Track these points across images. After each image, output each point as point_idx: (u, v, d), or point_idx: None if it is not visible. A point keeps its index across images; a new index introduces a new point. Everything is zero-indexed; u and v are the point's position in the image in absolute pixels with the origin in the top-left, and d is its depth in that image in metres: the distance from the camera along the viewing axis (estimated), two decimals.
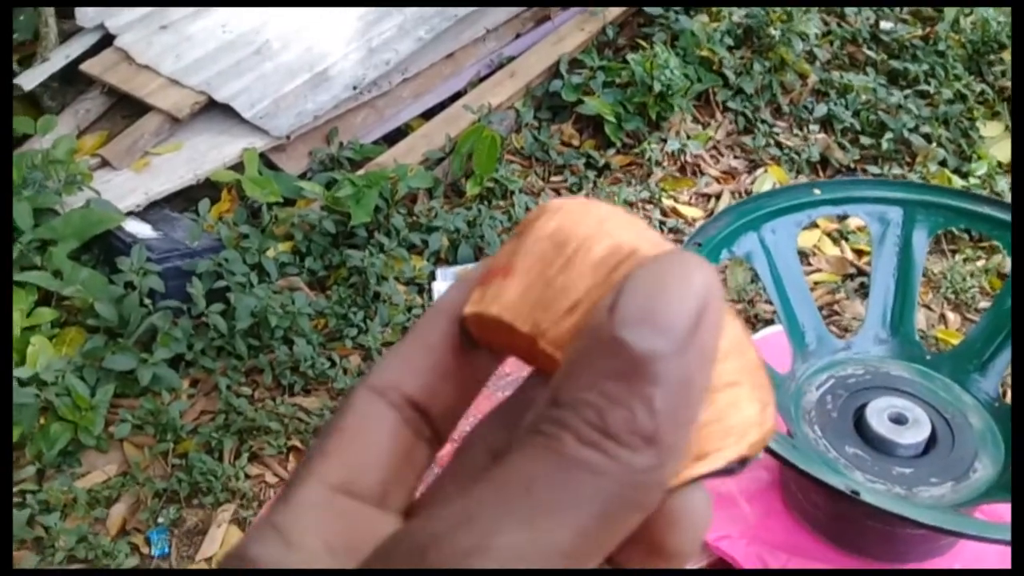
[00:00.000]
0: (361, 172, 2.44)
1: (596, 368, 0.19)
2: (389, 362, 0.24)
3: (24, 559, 1.71)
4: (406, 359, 0.24)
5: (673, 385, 0.19)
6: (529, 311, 0.22)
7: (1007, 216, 1.06)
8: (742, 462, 0.22)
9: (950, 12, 3.01)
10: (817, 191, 1.09)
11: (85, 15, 2.83)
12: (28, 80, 2.64)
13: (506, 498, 0.18)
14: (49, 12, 2.77)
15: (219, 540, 1.75)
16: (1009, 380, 1.45)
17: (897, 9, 3.15)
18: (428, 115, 2.75)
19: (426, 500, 0.25)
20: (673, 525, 0.21)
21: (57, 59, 2.71)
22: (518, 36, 2.96)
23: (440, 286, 2.25)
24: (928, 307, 2.30)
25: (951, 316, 2.30)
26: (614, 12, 2.97)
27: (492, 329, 0.23)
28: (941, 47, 2.95)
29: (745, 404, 0.22)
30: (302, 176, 2.52)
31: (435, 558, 0.18)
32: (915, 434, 0.97)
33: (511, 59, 2.87)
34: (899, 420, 0.98)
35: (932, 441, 0.98)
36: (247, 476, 1.86)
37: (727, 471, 0.22)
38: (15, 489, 1.82)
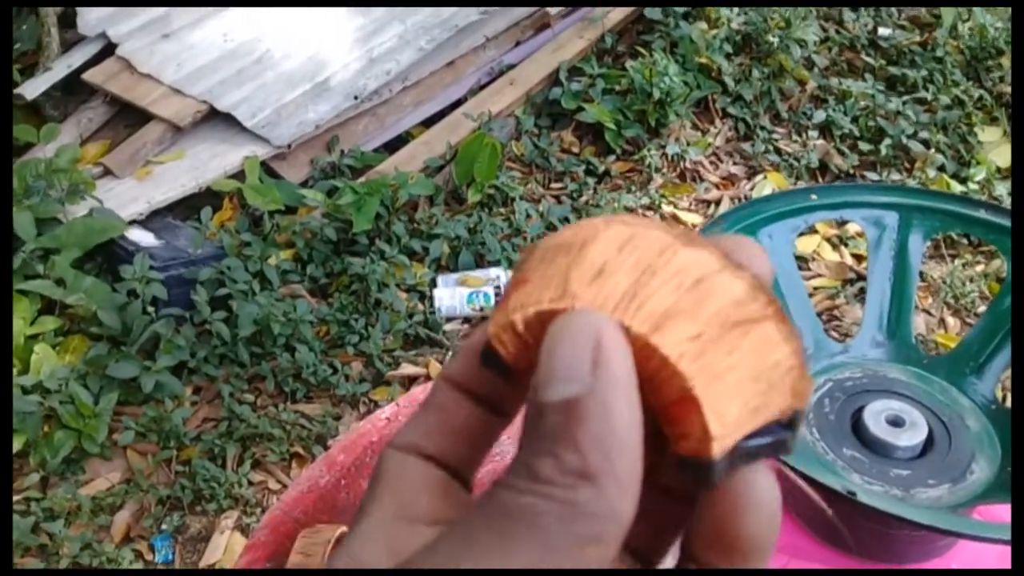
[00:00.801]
0: (362, 180, 2.46)
1: (531, 430, 0.21)
2: (409, 428, 0.26)
3: (29, 566, 1.71)
4: (422, 425, 0.26)
5: (592, 419, 0.20)
6: (554, 289, 0.23)
7: (1004, 221, 1.07)
8: (791, 422, 0.22)
9: (948, 18, 3.02)
10: (814, 196, 1.10)
11: (87, 24, 2.85)
12: (31, 89, 2.65)
13: (455, 552, 0.20)
14: (51, 22, 2.79)
15: (222, 546, 1.76)
16: (1007, 382, 1.46)
17: (895, 15, 3.17)
18: (429, 123, 2.76)
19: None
20: (739, 513, 0.22)
21: (59, 68, 2.72)
22: (517, 44, 2.97)
23: (441, 293, 2.26)
24: (928, 312, 2.31)
25: (951, 321, 2.30)
26: (613, 20, 2.98)
27: (521, 336, 0.23)
28: (939, 53, 2.96)
29: (774, 345, 0.22)
30: (303, 184, 2.53)
31: None
32: (912, 436, 0.98)
33: (511, 67, 2.89)
34: (896, 423, 0.99)
35: (929, 443, 0.99)
36: (250, 483, 1.87)
37: (780, 443, 0.21)
38: (20, 497, 1.83)
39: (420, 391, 1.00)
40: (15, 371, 1.94)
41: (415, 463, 0.26)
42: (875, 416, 0.98)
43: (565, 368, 0.21)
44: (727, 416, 0.21)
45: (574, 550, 0.20)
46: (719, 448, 0.21)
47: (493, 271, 2.33)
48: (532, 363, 0.23)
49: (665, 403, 0.22)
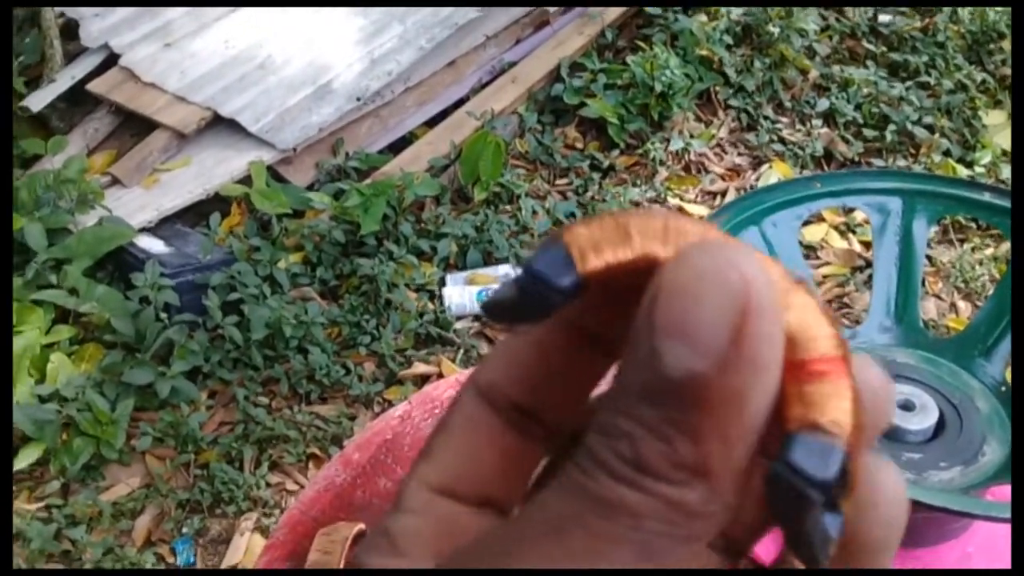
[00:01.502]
0: (368, 181, 2.47)
1: (631, 389, 0.17)
2: (493, 361, 0.22)
3: None
4: (510, 359, 0.22)
5: (720, 408, 0.16)
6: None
7: (1008, 203, 1.08)
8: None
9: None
10: (817, 184, 1.10)
11: (90, 35, 2.87)
12: (36, 101, 2.68)
13: (538, 541, 0.17)
14: (54, 34, 2.81)
15: (243, 548, 1.78)
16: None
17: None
18: (432, 123, 2.78)
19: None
20: (867, 511, 0.19)
21: (64, 80, 2.74)
22: (518, 42, 2.98)
23: (450, 291, 2.28)
24: (938, 296, 2.32)
25: (961, 305, 2.31)
26: (612, 14, 2.99)
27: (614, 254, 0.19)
28: (940, 38, 2.96)
29: (816, 320, 0.18)
30: (309, 187, 2.54)
31: None
32: (923, 420, 0.98)
33: (512, 65, 2.90)
34: (907, 406, 0.99)
35: (940, 426, 1.00)
36: (268, 484, 1.89)
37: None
38: (41, 504, 1.85)
39: (432, 389, 1.01)
40: (32, 381, 1.96)
41: (487, 416, 0.21)
42: None
43: (700, 332, 0.16)
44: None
45: (670, 552, 0.17)
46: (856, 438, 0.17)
47: (501, 268, 2.34)
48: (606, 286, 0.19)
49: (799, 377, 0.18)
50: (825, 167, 2.70)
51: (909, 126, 2.71)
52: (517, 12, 2.96)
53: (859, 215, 2.51)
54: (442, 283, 2.32)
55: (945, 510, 0.84)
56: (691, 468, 0.16)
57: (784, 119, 2.83)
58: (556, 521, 0.17)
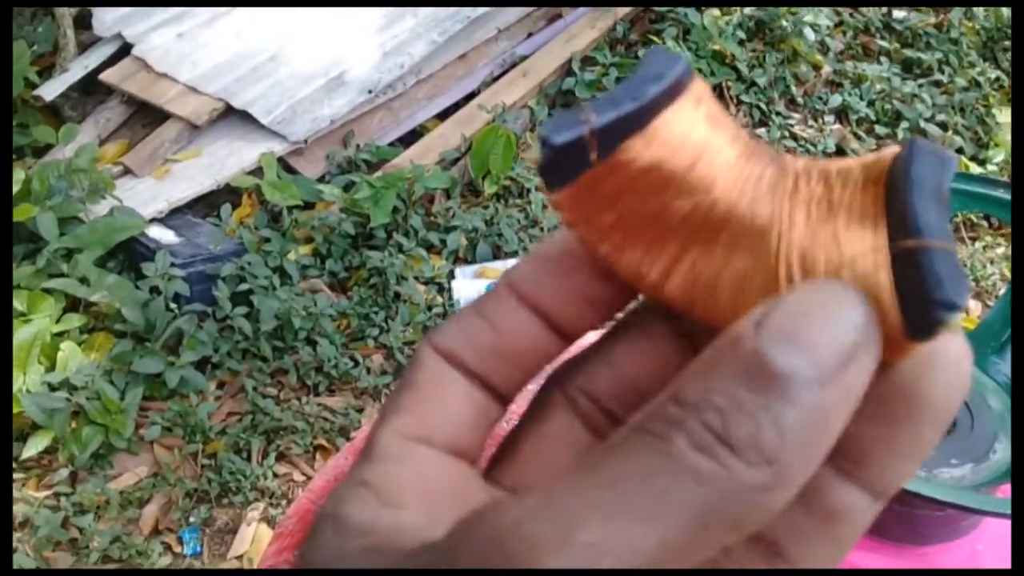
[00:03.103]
0: (378, 174, 2.47)
1: (727, 374, 0.18)
2: (453, 329, 0.23)
3: (59, 560, 1.74)
4: (468, 332, 0.23)
5: (808, 411, 0.17)
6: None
7: None
8: None
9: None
10: None
11: (103, 25, 2.87)
12: (48, 91, 2.68)
13: (597, 493, 0.17)
14: (67, 23, 2.81)
15: (249, 538, 1.78)
16: None
17: None
18: (443, 116, 2.77)
19: (501, 458, 0.24)
20: (934, 369, 0.19)
21: (76, 70, 2.75)
22: (530, 35, 2.97)
23: (459, 284, 2.28)
24: None
25: (972, 303, 2.30)
26: (624, 8, 2.98)
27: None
28: (954, 35, 2.94)
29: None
30: (320, 179, 2.55)
31: (512, 545, 0.17)
32: None
33: (523, 58, 2.89)
34: None
35: (952, 423, 1.00)
36: (275, 475, 1.89)
37: None
38: (49, 492, 1.86)
39: None
40: (42, 369, 1.97)
41: (457, 379, 0.23)
42: None
43: (814, 342, 0.17)
44: None
45: (720, 530, 0.17)
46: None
47: (511, 262, 2.34)
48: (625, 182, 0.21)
49: None
50: None
51: (922, 123, 2.70)
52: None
53: None
54: (451, 276, 2.32)
55: (956, 506, 0.84)
56: (767, 455, 0.17)
57: (796, 115, 2.82)
58: (620, 476, 0.17)
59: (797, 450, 0.17)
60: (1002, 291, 2.32)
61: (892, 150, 0.20)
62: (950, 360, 0.19)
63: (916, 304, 0.18)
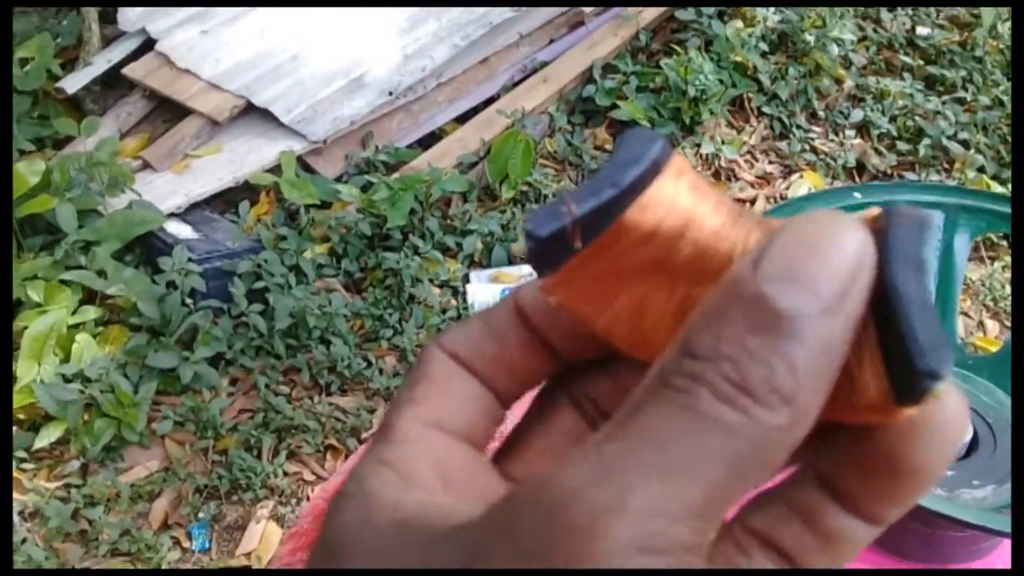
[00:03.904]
0: (396, 175, 2.47)
1: (735, 321, 0.18)
2: (460, 334, 0.24)
3: (69, 551, 1.74)
4: (474, 339, 0.24)
5: (816, 346, 0.18)
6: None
7: None
8: None
9: (987, 18, 2.98)
10: (857, 195, 1.09)
11: (127, 20, 2.89)
12: (71, 83, 2.69)
13: (641, 456, 0.18)
14: (92, 17, 2.83)
15: (258, 535, 1.78)
16: None
17: (933, 15, 3.13)
18: (462, 119, 2.77)
19: (509, 451, 0.25)
20: (918, 434, 0.19)
21: (100, 63, 2.76)
22: (551, 41, 2.97)
23: (474, 288, 2.27)
24: (967, 314, 2.29)
25: (990, 324, 2.28)
26: (647, 17, 2.97)
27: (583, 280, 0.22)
28: (979, 53, 2.93)
29: None
30: (338, 179, 2.55)
31: (570, 515, 0.18)
32: None
33: (544, 64, 2.89)
34: None
35: (974, 444, 0.98)
36: (285, 473, 1.89)
37: None
38: (60, 483, 1.87)
39: None
40: (57, 360, 1.98)
41: (467, 377, 0.24)
42: None
43: (815, 277, 0.18)
44: None
45: (748, 477, 0.18)
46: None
47: (526, 267, 2.33)
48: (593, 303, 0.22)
49: None
50: (857, 179, 2.67)
51: (944, 141, 2.68)
52: (552, 12, 2.95)
53: None
54: (466, 280, 2.32)
55: (979, 528, 0.83)
56: (783, 394, 0.18)
57: (817, 128, 2.81)
58: (660, 437, 0.18)
59: (810, 385, 0.18)
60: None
61: (873, 212, 0.20)
62: (935, 425, 0.19)
63: (901, 372, 0.19)
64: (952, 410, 0.19)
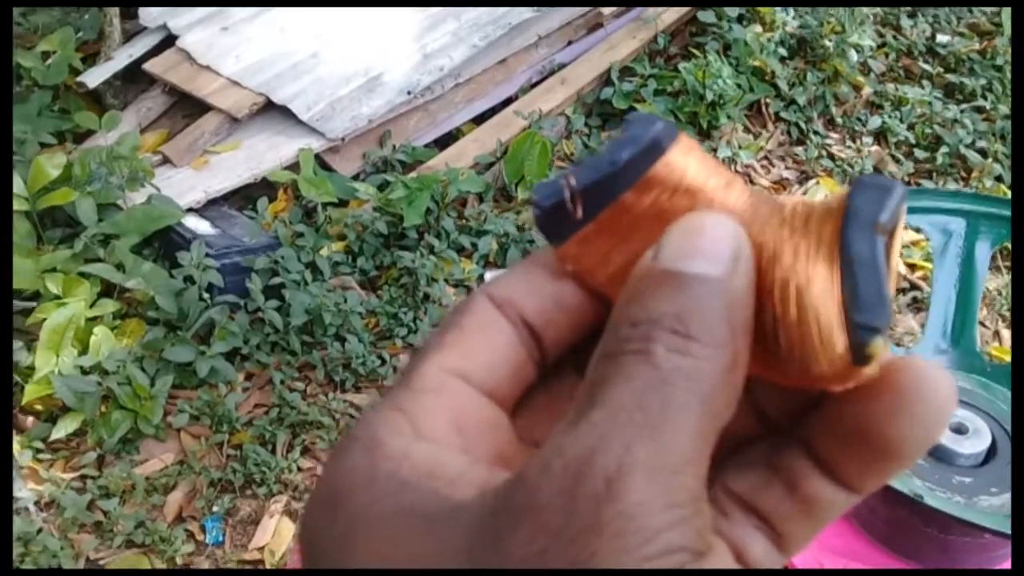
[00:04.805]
0: (413, 175, 2.48)
1: (656, 294, 0.21)
2: (512, 279, 0.24)
3: (84, 542, 1.76)
4: (529, 281, 0.24)
5: (730, 299, 0.21)
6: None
7: None
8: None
9: (1008, 26, 2.97)
10: None
11: (148, 16, 2.91)
12: (92, 78, 2.72)
13: (627, 418, 0.19)
14: (114, 12, 2.85)
15: (271, 530, 1.79)
16: None
17: (954, 23, 3.12)
18: (479, 120, 2.78)
19: (526, 413, 0.25)
20: (899, 406, 0.20)
21: (121, 58, 2.78)
22: (570, 43, 2.98)
23: None
24: (983, 324, 2.28)
25: (1005, 333, 2.27)
26: (666, 21, 2.98)
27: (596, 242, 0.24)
28: (999, 62, 2.91)
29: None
30: (355, 177, 2.56)
31: (591, 479, 0.19)
32: (975, 444, 0.97)
33: (562, 66, 2.90)
34: (959, 430, 0.98)
35: (992, 451, 0.98)
36: (299, 469, 1.90)
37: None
38: (76, 474, 1.88)
39: None
40: (75, 352, 1.99)
41: (505, 328, 0.24)
42: None
43: (709, 249, 0.21)
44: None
45: (725, 412, 0.20)
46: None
47: None
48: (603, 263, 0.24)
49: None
50: None
51: (962, 149, 2.67)
52: (570, 14, 2.96)
53: (906, 235, 2.48)
54: (481, 280, 2.32)
55: (995, 533, 0.83)
56: (721, 337, 0.20)
57: (834, 135, 2.80)
58: (636, 399, 0.20)
59: (736, 331, 0.21)
60: None
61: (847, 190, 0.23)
62: (917, 399, 0.20)
63: (850, 328, 0.20)
64: (934, 386, 0.20)
